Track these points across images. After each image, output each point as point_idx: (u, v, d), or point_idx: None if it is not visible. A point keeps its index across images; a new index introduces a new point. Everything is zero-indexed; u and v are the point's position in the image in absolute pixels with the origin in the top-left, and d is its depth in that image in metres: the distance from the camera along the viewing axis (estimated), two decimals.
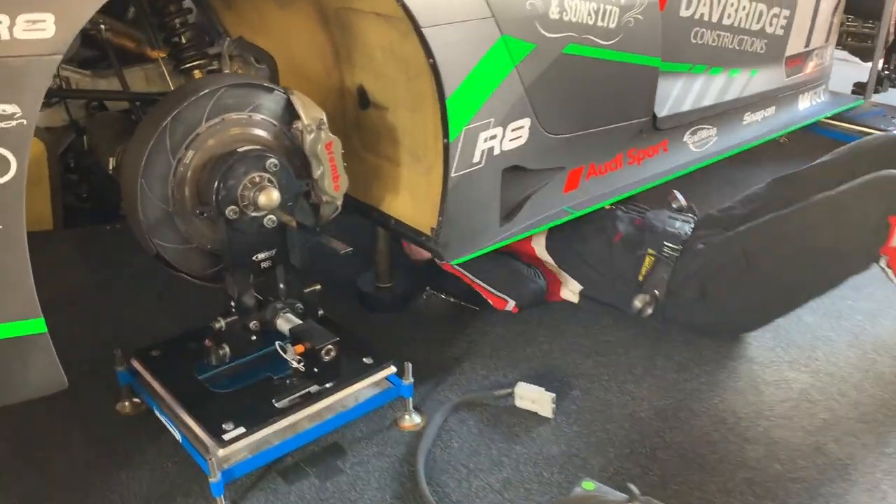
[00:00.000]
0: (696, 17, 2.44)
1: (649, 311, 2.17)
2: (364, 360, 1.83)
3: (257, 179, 1.55)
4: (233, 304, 1.64)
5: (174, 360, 1.83)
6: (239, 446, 1.58)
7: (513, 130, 1.92)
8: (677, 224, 2.27)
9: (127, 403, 1.90)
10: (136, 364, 1.84)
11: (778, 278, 2.04)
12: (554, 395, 1.88)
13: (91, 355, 2.01)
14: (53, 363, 1.30)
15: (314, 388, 1.70)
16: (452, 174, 1.79)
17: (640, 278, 2.19)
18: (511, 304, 2.25)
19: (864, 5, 3.32)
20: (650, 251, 2.20)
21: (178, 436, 1.68)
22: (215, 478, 1.52)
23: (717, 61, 2.60)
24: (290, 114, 1.66)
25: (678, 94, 2.49)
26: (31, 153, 1.57)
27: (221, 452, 1.56)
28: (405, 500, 1.63)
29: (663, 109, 2.42)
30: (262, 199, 1.53)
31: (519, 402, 1.91)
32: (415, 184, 1.92)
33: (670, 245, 2.19)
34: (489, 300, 2.27)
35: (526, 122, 1.94)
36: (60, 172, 1.77)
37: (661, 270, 2.17)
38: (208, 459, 1.51)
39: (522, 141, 1.96)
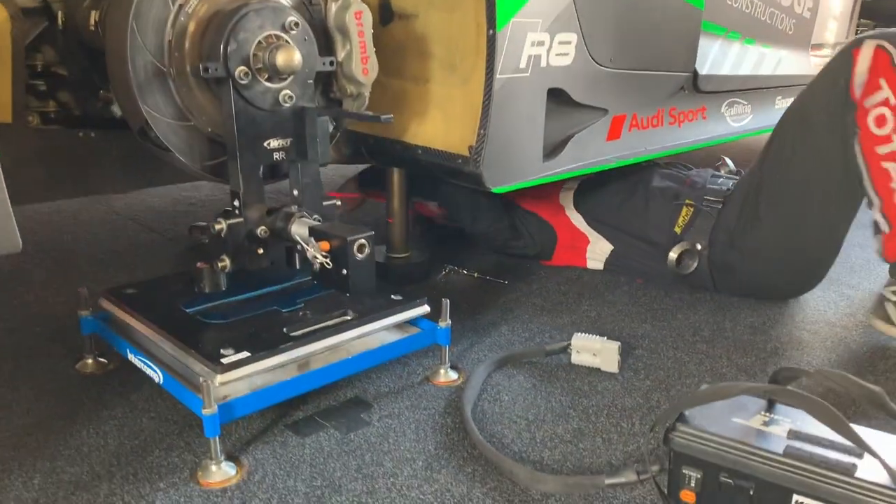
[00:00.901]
0: None
1: (692, 265, 1.90)
2: (392, 296, 1.49)
3: (273, 39, 1.26)
4: (236, 203, 1.31)
5: (155, 296, 1.47)
6: (240, 373, 1.21)
7: (560, 44, 1.68)
8: (720, 181, 2.04)
9: (90, 360, 1.52)
10: (106, 303, 1.47)
11: (785, 203, 1.78)
12: (620, 343, 1.55)
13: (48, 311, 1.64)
14: (6, 213, 0.95)
15: (332, 321, 1.36)
16: (497, 75, 1.53)
17: (678, 230, 1.94)
18: (433, 206, 2.21)
19: (883, 7, 3.26)
20: (688, 201, 1.96)
21: (158, 377, 1.30)
22: (210, 408, 1.14)
23: (750, 31, 2.45)
24: None
25: (716, 56, 2.31)
26: None
27: (220, 378, 1.18)
28: (453, 450, 1.26)
29: (703, 68, 2.23)
30: (281, 58, 1.24)
31: (576, 358, 1.57)
32: (448, 100, 1.65)
33: (711, 198, 1.95)
34: (419, 210, 2.24)
35: (573, 39, 1.71)
36: (26, 72, 1.46)
37: (703, 222, 1.92)
38: (202, 384, 1.13)
39: (569, 60, 1.72)
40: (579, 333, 1.59)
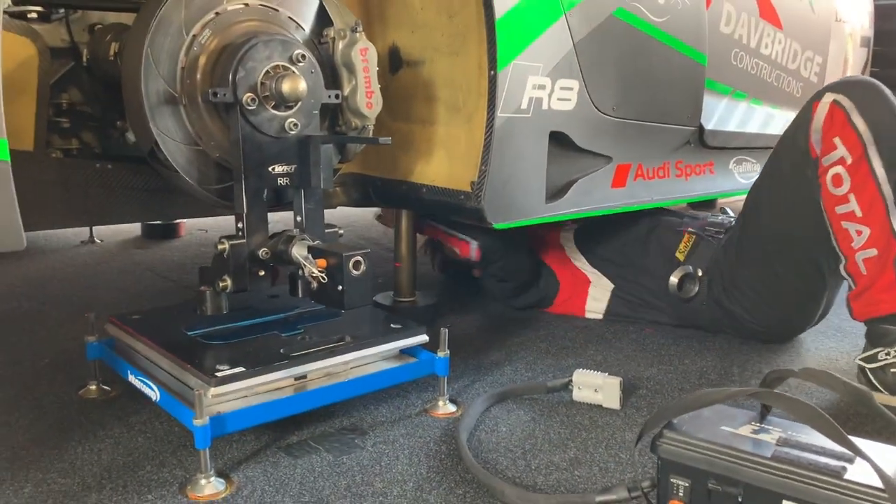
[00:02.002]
0: (736, 37, 2.36)
1: (693, 289, 1.91)
2: (391, 325, 1.50)
3: (281, 69, 1.32)
4: (239, 225, 1.35)
5: (159, 321, 1.50)
6: (234, 387, 1.23)
7: (562, 89, 1.73)
8: (720, 217, 2.09)
9: (93, 387, 1.54)
10: (111, 328, 1.50)
11: (766, 245, 1.78)
12: (622, 379, 1.53)
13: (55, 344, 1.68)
14: (11, 207, 1.00)
15: (329, 345, 1.37)
16: (498, 113, 1.58)
17: (680, 256, 1.97)
18: (475, 246, 2.06)
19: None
20: (690, 230, 2.01)
21: (156, 395, 1.31)
22: (202, 419, 1.14)
23: (756, 92, 2.51)
24: (320, 21, 1.47)
25: (722, 113, 2.36)
26: (19, 54, 1.40)
27: (213, 390, 1.19)
28: (445, 474, 1.24)
29: (709, 124, 2.27)
30: (287, 86, 1.30)
31: (578, 394, 1.55)
32: (452, 139, 1.70)
33: (713, 228, 2.00)
34: (454, 247, 2.11)
35: (575, 85, 1.77)
36: (50, 109, 1.54)
37: (704, 249, 1.95)
38: (196, 394, 1.14)
39: (571, 105, 1.77)
40: (581, 370, 1.57)
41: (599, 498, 1.07)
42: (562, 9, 1.69)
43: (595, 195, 1.94)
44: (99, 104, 1.57)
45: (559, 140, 1.78)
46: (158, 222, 3.23)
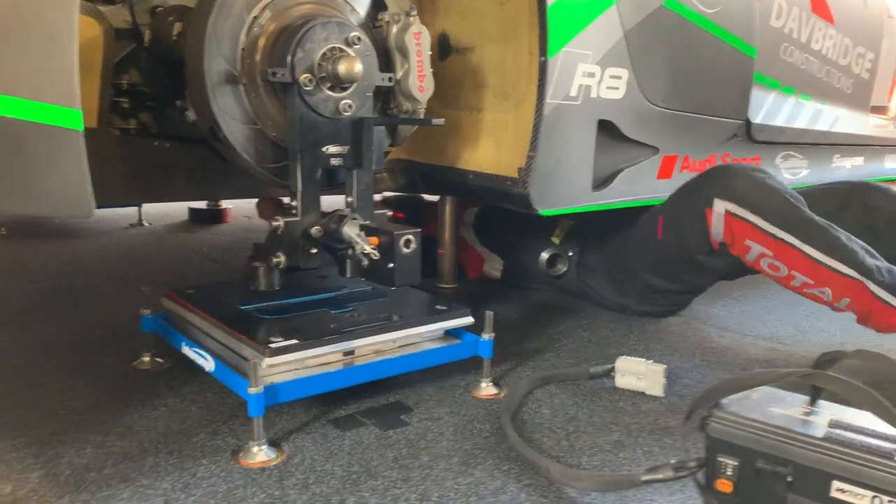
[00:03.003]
0: (786, 31, 2.34)
1: (562, 269, 2.12)
2: (437, 306, 1.52)
3: (337, 51, 1.35)
4: (293, 202, 1.38)
5: (213, 295, 1.54)
6: (286, 358, 1.26)
7: (611, 77, 1.74)
8: None
9: (146, 358, 1.59)
10: (167, 301, 1.55)
11: (640, 261, 1.93)
12: (665, 366, 1.53)
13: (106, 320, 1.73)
14: (83, 176, 1.04)
15: (377, 323, 1.40)
16: (548, 100, 1.59)
17: (556, 240, 2.14)
18: (499, 265, 2.27)
19: None
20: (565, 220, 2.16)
21: (210, 365, 1.35)
22: (256, 387, 1.18)
23: (805, 87, 2.48)
24: (375, 6, 1.50)
25: (770, 108, 2.34)
26: (85, 34, 1.45)
27: (267, 360, 1.23)
28: (490, 451, 1.26)
29: (756, 118, 2.25)
30: (343, 67, 1.33)
31: (620, 381, 1.56)
32: (500, 125, 1.72)
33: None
34: (468, 259, 2.30)
35: (624, 74, 1.77)
36: (111, 90, 1.59)
37: (577, 234, 2.14)
38: (251, 363, 1.18)
39: (620, 94, 1.78)
40: (624, 357, 1.58)
41: (645, 476, 1.08)
42: None
43: (641, 185, 1.94)
44: (157, 84, 1.62)
45: (607, 129, 1.79)
46: (205, 207, 3.30)
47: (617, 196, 1.87)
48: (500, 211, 2.23)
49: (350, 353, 1.40)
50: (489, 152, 1.74)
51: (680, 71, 1.93)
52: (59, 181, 1.03)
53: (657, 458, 1.26)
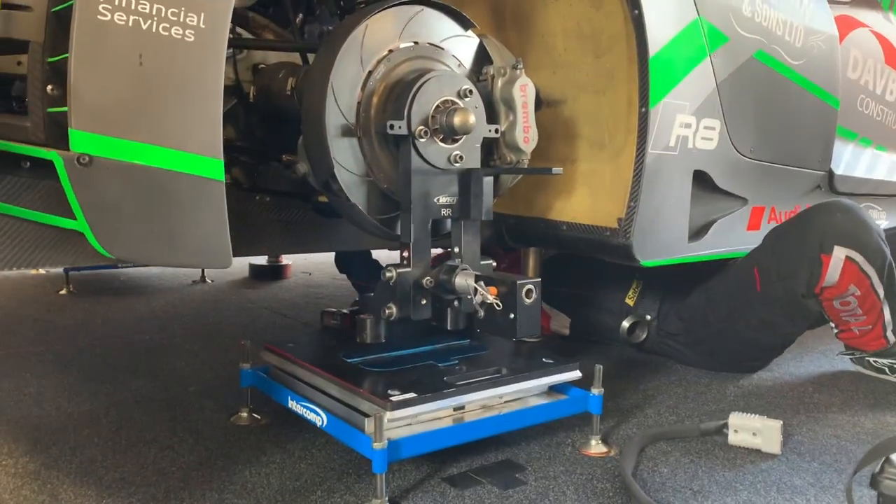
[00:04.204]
0: (862, 82, 2.34)
1: (642, 335, 2.08)
2: (543, 359, 1.49)
3: (450, 104, 1.36)
4: (405, 253, 1.37)
5: (314, 348, 1.52)
6: (407, 413, 1.22)
7: (705, 128, 1.73)
8: None
9: (244, 414, 1.56)
10: (268, 354, 1.53)
11: (732, 318, 1.91)
12: (782, 422, 1.48)
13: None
14: (223, 227, 1.04)
15: (490, 377, 1.37)
16: (649, 150, 1.58)
17: (630, 301, 2.10)
18: (567, 322, 2.23)
19: None
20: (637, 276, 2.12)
21: (321, 420, 1.32)
22: (381, 442, 1.14)
23: (881, 139, 2.46)
24: (480, 60, 1.51)
25: (849, 159, 2.32)
26: None
27: (389, 415, 1.19)
28: None
29: (838, 168, 2.23)
30: (458, 119, 1.33)
31: (734, 438, 1.50)
32: (595, 176, 1.70)
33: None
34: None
35: (716, 125, 1.76)
36: None
37: (652, 294, 2.09)
38: (374, 418, 1.15)
39: (713, 145, 1.77)
40: (737, 412, 1.52)
41: None
42: (707, 50, 1.70)
43: (732, 237, 1.91)
44: (253, 140, 1.64)
45: (700, 179, 1.77)
46: (266, 263, 3.31)
47: (710, 247, 1.84)
48: (564, 268, 2.23)
49: (460, 408, 1.36)
50: (583, 203, 1.73)
51: (767, 122, 1.92)
52: (201, 231, 1.03)
53: None
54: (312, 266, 3.62)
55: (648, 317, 2.08)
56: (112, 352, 2.10)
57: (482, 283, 1.28)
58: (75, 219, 0.95)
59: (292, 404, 1.41)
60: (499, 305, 1.24)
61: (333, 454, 1.39)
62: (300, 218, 1.67)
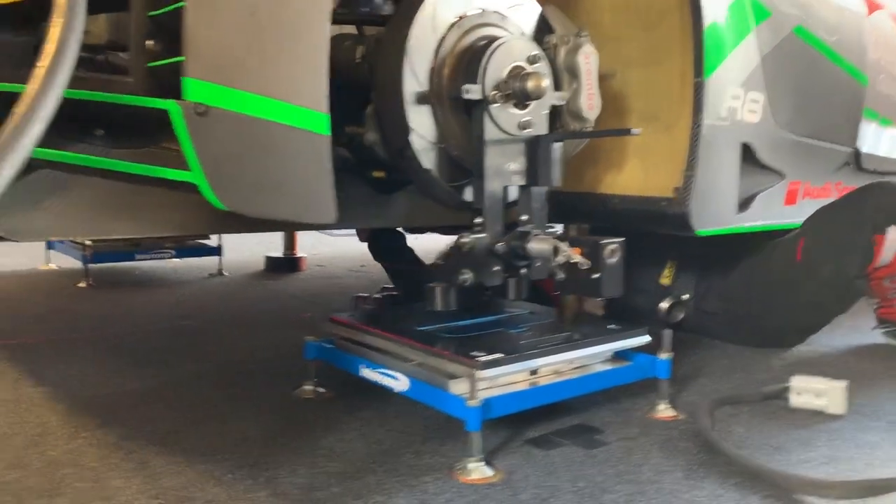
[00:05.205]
0: (882, 63, 2.38)
1: (680, 316, 1.98)
2: (608, 326, 1.50)
3: (519, 69, 1.37)
4: (478, 220, 1.37)
5: (381, 319, 1.51)
6: (497, 371, 1.23)
7: (751, 101, 1.76)
8: None
9: (309, 387, 1.55)
10: (335, 325, 1.52)
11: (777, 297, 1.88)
12: (848, 382, 1.50)
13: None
14: (328, 182, 1.03)
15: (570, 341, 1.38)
16: (704, 121, 1.60)
17: (665, 281, 2.04)
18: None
19: None
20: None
21: (401, 385, 1.32)
22: (475, 400, 1.14)
23: None
24: (541, 29, 1.52)
25: (872, 138, 2.36)
26: None
27: (479, 374, 1.19)
28: (709, 466, 1.22)
29: (863, 147, 2.27)
30: (532, 83, 1.34)
31: (796, 400, 1.52)
32: (648, 147, 1.72)
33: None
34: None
35: (760, 98, 1.79)
36: None
37: (687, 274, 2.04)
38: (469, 376, 1.15)
39: (757, 118, 1.79)
40: (799, 375, 1.54)
41: None
42: (751, 23, 1.73)
43: (772, 211, 1.94)
44: None
45: (744, 152, 1.79)
46: (281, 256, 3.29)
47: (755, 219, 1.86)
48: None
49: (534, 373, 1.37)
50: (636, 175, 1.74)
51: (804, 97, 1.95)
52: (307, 185, 1.03)
53: (877, 471, 1.21)
54: (325, 259, 3.61)
55: (685, 297, 2.09)
56: (150, 337, 2.07)
57: (566, 244, 1.28)
58: (189, 170, 0.94)
59: (366, 372, 1.40)
60: (586, 264, 1.25)
61: (409, 421, 1.39)
62: (352, 193, 1.65)
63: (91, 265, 2.86)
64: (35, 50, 0.82)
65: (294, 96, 1.00)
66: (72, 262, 3.19)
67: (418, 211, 1.74)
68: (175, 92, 0.95)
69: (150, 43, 1.02)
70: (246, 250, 3.65)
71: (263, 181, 1.00)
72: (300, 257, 3.32)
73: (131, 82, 1.01)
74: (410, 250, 2.49)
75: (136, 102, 0.95)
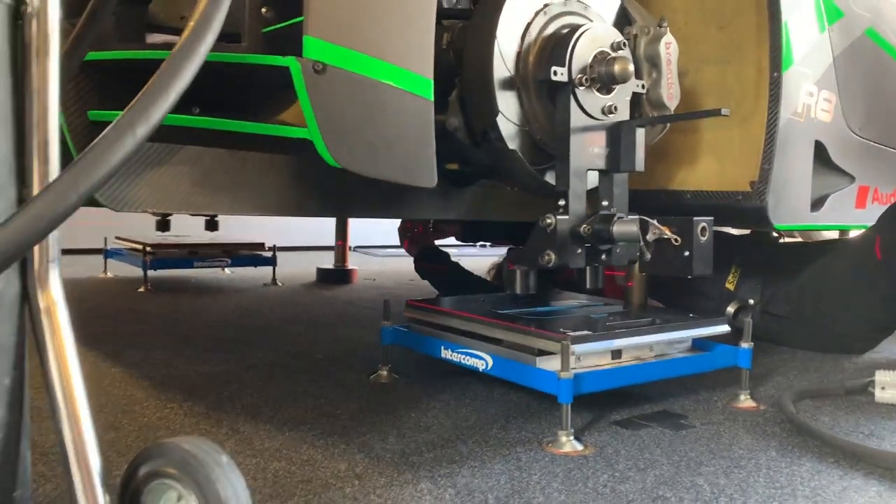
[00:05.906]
0: None
1: (748, 320, 1.94)
2: (689, 315, 1.49)
3: (605, 54, 1.39)
4: (562, 202, 1.38)
5: (457, 304, 1.52)
6: (587, 347, 1.22)
7: (824, 100, 1.76)
8: None
9: (384, 372, 1.55)
10: (414, 310, 1.53)
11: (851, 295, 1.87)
12: None
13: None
14: (430, 146, 1.05)
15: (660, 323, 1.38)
16: (781, 113, 1.61)
17: (730, 286, 2.07)
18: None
19: None
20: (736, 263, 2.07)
21: (484, 363, 1.32)
22: (568, 373, 1.14)
23: None
24: (621, 20, 1.55)
25: None
26: None
27: (573, 347, 1.19)
28: (802, 447, 1.20)
29: None
30: (618, 67, 1.35)
31: (882, 395, 1.49)
32: (722, 143, 1.72)
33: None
34: None
35: (833, 98, 1.79)
36: None
37: (751, 279, 2.06)
38: (563, 348, 1.15)
39: (829, 118, 1.79)
40: (883, 370, 1.51)
41: None
42: (825, 23, 1.74)
43: (843, 213, 1.93)
44: None
45: (817, 151, 1.79)
46: (332, 268, 3.33)
47: (828, 219, 1.86)
48: None
49: (617, 355, 1.36)
50: (710, 170, 1.74)
51: (875, 100, 1.95)
52: (412, 148, 1.05)
53: None
54: (375, 273, 3.64)
55: (751, 301, 2.07)
56: (217, 331, 2.09)
57: (656, 222, 1.29)
58: (307, 127, 0.97)
59: (447, 353, 1.41)
60: (677, 241, 1.25)
61: (489, 403, 1.38)
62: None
63: (149, 272, 2.91)
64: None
65: (404, 60, 1.03)
66: (129, 272, 3.25)
67: (485, 205, 1.76)
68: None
69: (264, 10, 1.06)
70: (298, 263, 3.68)
71: (374, 140, 1.02)
72: (351, 269, 3.35)
73: (245, 47, 1.04)
74: (456, 264, 2.55)
75: (259, 61, 0.98)
